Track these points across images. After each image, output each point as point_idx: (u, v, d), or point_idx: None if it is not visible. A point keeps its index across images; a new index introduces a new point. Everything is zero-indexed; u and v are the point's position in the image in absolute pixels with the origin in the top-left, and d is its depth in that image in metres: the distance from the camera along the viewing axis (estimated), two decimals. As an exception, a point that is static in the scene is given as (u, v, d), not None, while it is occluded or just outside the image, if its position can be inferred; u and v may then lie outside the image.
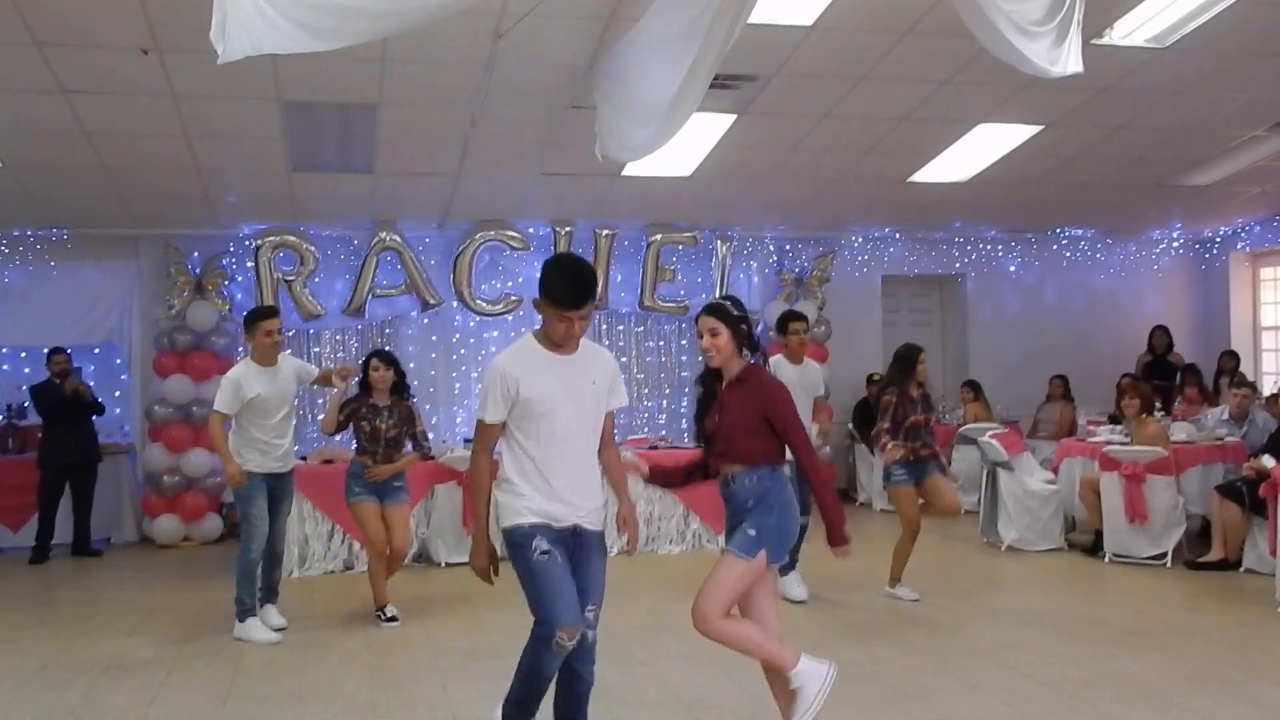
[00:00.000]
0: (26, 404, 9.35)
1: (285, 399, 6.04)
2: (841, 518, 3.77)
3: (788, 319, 6.79)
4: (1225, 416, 8.67)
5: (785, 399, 3.78)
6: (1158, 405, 8.38)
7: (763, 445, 3.74)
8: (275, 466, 6.04)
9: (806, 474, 3.78)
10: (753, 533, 3.67)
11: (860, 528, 9.45)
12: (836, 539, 3.75)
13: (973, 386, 10.87)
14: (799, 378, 6.38)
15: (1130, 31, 6.60)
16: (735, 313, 3.84)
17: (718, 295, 10.46)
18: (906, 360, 6.63)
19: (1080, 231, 12.03)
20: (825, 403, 6.72)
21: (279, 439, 6.03)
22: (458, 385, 10.32)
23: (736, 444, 3.74)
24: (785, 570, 6.34)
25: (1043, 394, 10.95)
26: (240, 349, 9.70)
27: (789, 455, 3.81)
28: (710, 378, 3.91)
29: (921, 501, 6.55)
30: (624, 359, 10.66)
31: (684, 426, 10.67)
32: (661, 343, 10.80)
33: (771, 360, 6.48)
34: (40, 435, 8.84)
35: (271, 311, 6.23)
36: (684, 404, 10.79)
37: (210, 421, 5.95)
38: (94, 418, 8.94)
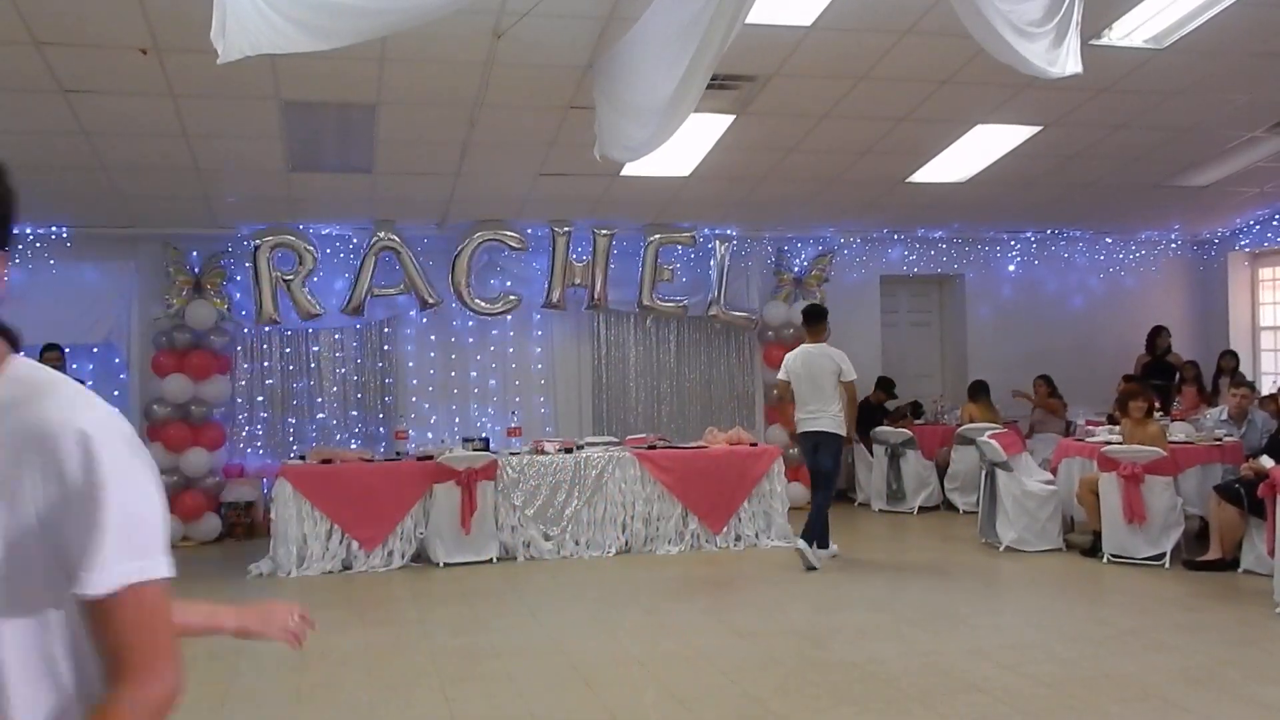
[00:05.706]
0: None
1: None
2: None
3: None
4: (1224, 417, 8.67)
5: None
6: (1157, 405, 8.40)
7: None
8: None
9: None
10: None
11: (859, 527, 9.49)
12: None
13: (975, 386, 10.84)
14: None
15: (1129, 32, 6.62)
16: None
17: (717, 295, 10.48)
18: None
19: (1079, 232, 12.03)
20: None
21: None
22: (456, 385, 10.32)
23: None
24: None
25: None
26: (239, 349, 9.73)
27: None
28: None
29: None
30: (623, 359, 10.68)
31: (683, 426, 10.68)
32: (661, 342, 10.80)
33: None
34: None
35: None
36: (684, 403, 10.80)
37: None
38: None
